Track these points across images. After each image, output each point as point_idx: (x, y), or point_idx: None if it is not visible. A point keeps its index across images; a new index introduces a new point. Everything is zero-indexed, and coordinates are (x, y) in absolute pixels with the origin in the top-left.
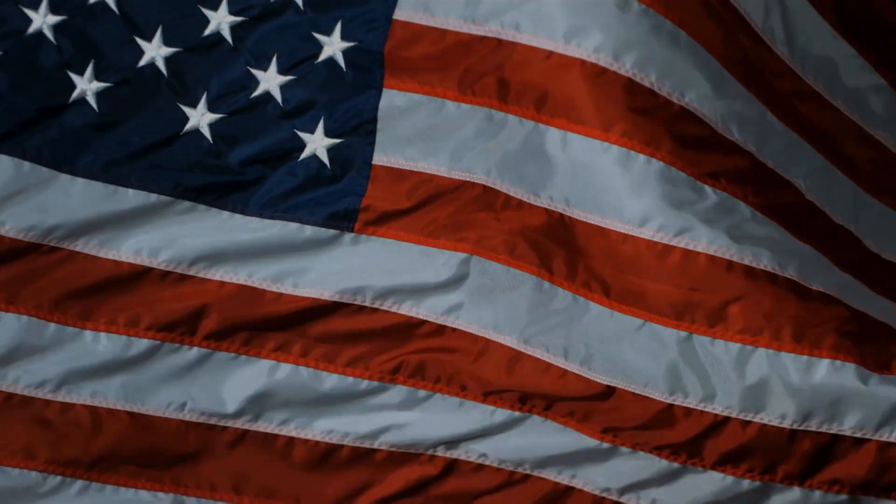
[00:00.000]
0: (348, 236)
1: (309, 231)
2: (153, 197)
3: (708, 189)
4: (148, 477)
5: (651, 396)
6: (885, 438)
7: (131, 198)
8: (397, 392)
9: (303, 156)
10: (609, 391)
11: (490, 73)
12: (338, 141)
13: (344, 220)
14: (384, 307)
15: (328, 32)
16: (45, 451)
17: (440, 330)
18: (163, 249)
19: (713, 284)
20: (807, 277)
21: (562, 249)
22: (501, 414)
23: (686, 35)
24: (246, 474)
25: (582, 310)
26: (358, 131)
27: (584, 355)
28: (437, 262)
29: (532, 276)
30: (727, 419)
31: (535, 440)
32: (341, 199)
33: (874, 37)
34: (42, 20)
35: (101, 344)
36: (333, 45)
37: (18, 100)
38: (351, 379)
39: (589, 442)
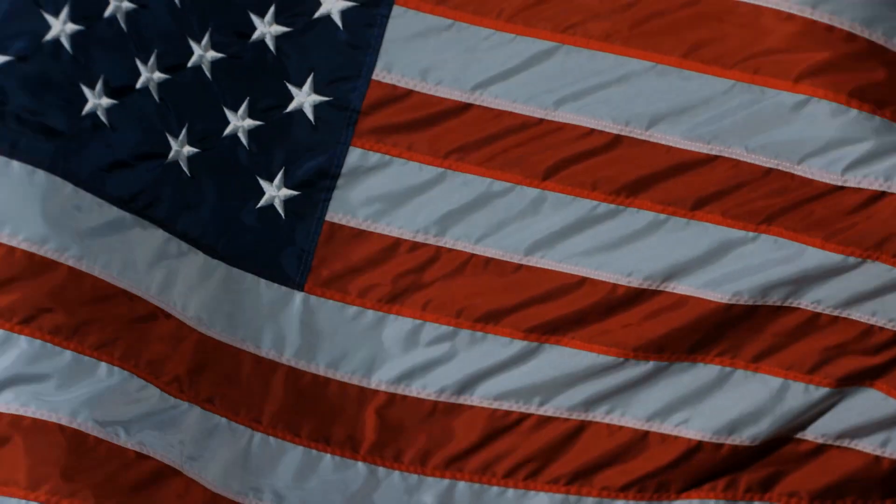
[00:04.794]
0: (299, 296)
1: (262, 284)
2: (135, 223)
3: None
4: None
5: (626, 426)
6: (844, 445)
7: (118, 219)
8: (358, 469)
9: (261, 204)
10: (580, 428)
11: (469, 139)
12: (295, 193)
13: (294, 276)
14: (336, 377)
15: (300, 84)
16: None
17: (391, 399)
18: (164, 291)
19: None
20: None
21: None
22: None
23: None
24: None
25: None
26: (316, 186)
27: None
28: (387, 329)
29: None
30: (700, 443)
31: None
32: (292, 253)
33: None
34: (61, 27)
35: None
36: (303, 98)
37: (34, 107)
38: (314, 452)
39: (554, 498)
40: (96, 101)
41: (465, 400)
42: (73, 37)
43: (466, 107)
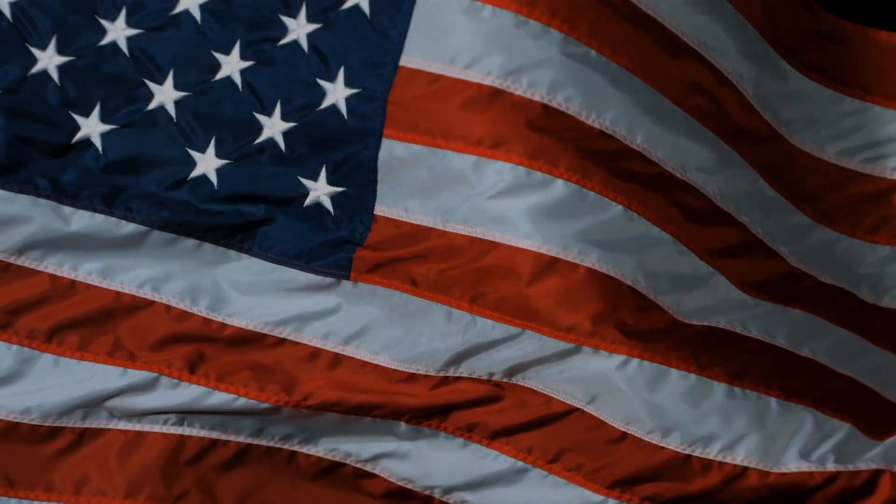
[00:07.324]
0: (347, 284)
1: (309, 277)
2: (156, 233)
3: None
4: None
5: (668, 447)
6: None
7: (134, 232)
8: (401, 427)
9: (307, 202)
10: (622, 437)
11: (484, 122)
12: (341, 189)
13: (343, 267)
14: (383, 363)
15: (331, 78)
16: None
17: (444, 381)
18: (167, 283)
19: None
20: (797, 344)
21: (561, 304)
22: (504, 461)
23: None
24: (251, 488)
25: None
26: (360, 180)
27: (601, 403)
28: (434, 315)
29: (527, 331)
30: (746, 469)
31: (534, 496)
32: (343, 246)
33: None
34: (48, 61)
35: (97, 375)
36: (336, 93)
37: (18, 137)
38: (352, 417)
39: (593, 498)
40: (91, 127)
41: (517, 381)
42: (62, 68)
43: (497, 93)
